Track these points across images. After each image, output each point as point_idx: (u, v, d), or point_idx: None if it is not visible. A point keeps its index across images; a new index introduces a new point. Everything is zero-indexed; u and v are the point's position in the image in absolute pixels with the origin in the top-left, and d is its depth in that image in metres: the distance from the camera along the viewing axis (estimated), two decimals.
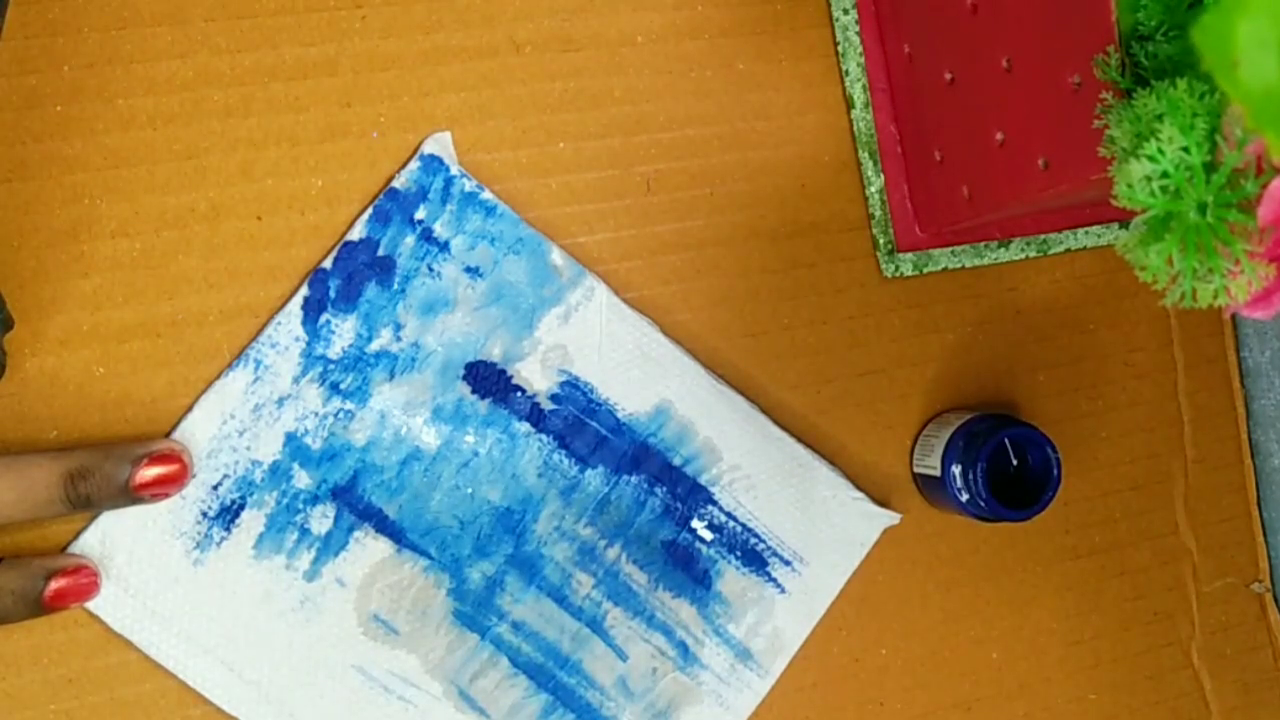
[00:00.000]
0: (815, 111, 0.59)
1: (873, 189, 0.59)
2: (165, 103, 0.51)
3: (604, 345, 0.55)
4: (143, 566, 0.50)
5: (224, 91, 0.51)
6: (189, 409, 0.51)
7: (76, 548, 0.49)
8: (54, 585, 0.47)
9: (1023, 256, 0.60)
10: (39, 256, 0.49)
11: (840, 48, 0.59)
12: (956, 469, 0.56)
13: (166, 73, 0.51)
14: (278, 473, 0.51)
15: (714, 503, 0.56)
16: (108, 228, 0.50)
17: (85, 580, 0.48)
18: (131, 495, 0.48)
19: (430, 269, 0.53)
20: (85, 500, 0.47)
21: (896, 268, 0.59)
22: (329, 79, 0.52)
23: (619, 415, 0.55)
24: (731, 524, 0.56)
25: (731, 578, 0.56)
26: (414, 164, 0.53)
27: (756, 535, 0.56)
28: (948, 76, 0.54)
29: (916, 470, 0.59)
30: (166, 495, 0.49)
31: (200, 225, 0.51)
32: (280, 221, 0.52)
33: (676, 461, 0.56)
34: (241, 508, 0.51)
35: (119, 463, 0.47)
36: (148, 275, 0.51)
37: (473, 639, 0.53)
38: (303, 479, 0.52)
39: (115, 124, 0.50)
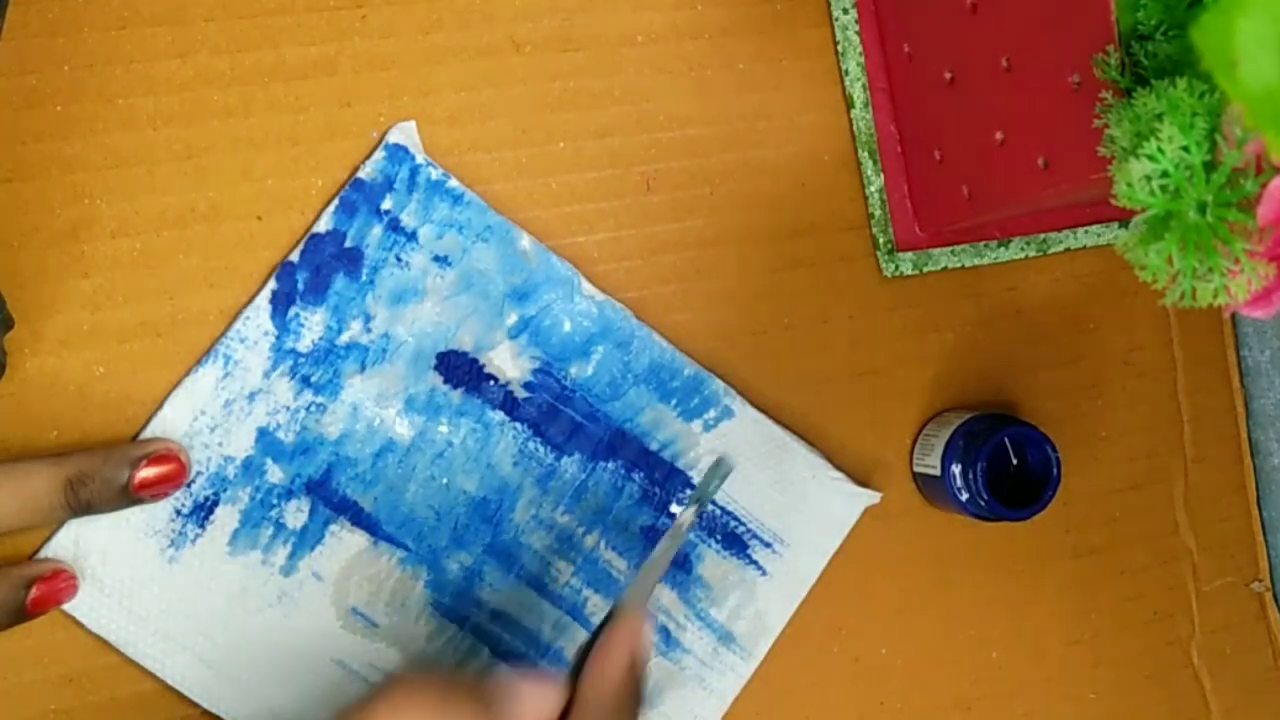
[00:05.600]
0: (815, 111, 0.59)
1: (873, 189, 0.59)
2: (165, 103, 0.51)
3: (575, 331, 0.55)
4: (117, 566, 0.50)
5: (224, 91, 0.51)
6: (159, 407, 0.50)
7: (49, 550, 0.49)
8: (34, 592, 0.47)
9: (1022, 256, 0.60)
10: (39, 256, 0.49)
11: (840, 47, 0.59)
12: (956, 468, 0.56)
13: (166, 73, 0.51)
14: (250, 468, 0.51)
15: (692, 487, 0.56)
16: (108, 228, 0.50)
17: (63, 584, 0.48)
18: (131, 497, 0.48)
19: (398, 259, 0.53)
20: (86, 505, 0.47)
21: (896, 267, 0.59)
22: (329, 79, 0.53)
23: (593, 401, 0.55)
24: (710, 508, 0.56)
25: (712, 561, 0.56)
26: (379, 154, 0.52)
27: (736, 518, 0.56)
28: (947, 76, 0.54)
29: (916, 470, 0.59)
30: (166, 495, 0.49)
31: (200, 225, 0.51)
32: (280, 221, 0.52)
33: (653, 446, 0.56)
34: (215, 504, 0.51)
35: (117, 466, 0.48)
36: (148, 275, 0.51)
37: (452, 629, 0.53)
38: (276, 473, 0.52)
39: (115, 124, 0.50)
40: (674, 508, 0.56)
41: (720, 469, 0.52)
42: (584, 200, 0.56)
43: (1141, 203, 0.37)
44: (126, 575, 0.50)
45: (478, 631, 0.54)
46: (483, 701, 0.41)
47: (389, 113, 0.53)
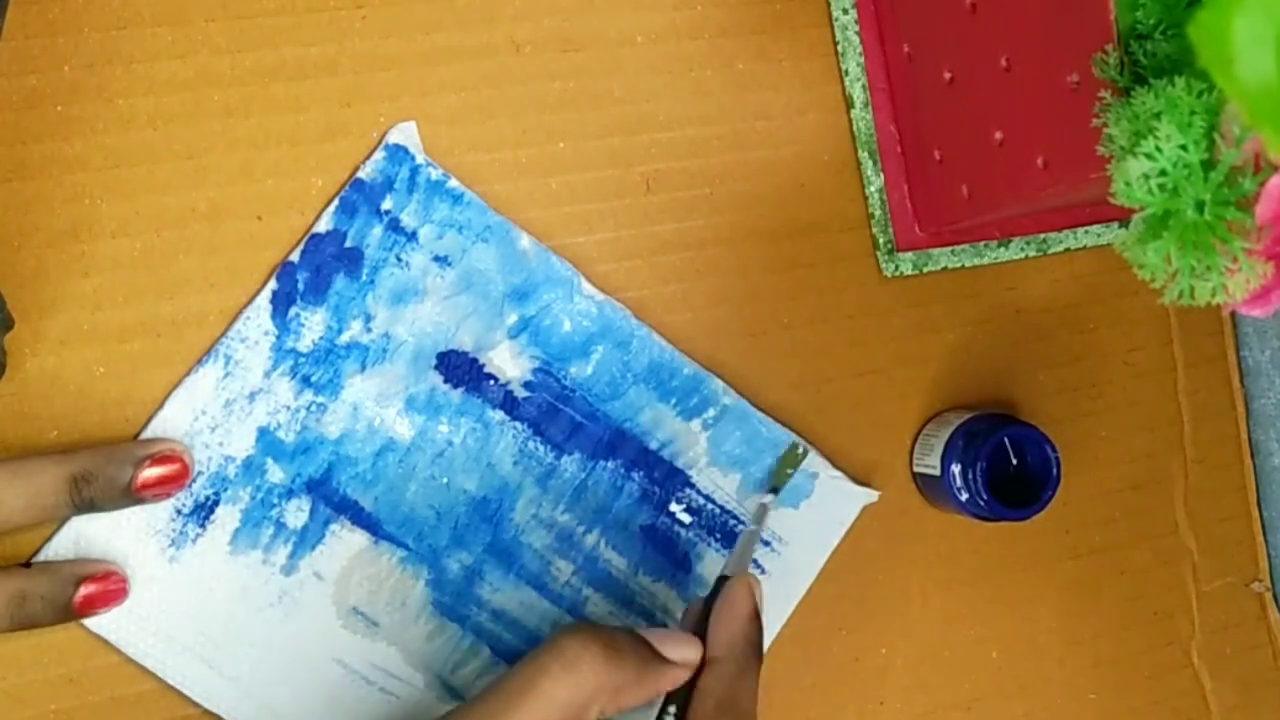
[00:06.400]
0: (815, 111, 0.59)
1: (872, 189, 0.59)
2: (165, 103, 0.51)
3: (575, 330, 0.55)
4: (118, 566, 0.50)
5: (224, 91, 0.51)
6: (160, 406, 0.50)
7: (50, 549, 0.49)
8: (84, 591, 0.48)
9: (1022, 256, 0.60)
10: (39, 256, 0.50)
11: (840, 47, 0.59)
12: (956, 468, 0.56)
13: (167, 73, 0.51)
14: (251, 467, 0.51)
15: (691, 485, 0.56)
16: (108, 228, 0.50)
17: (115, 586, 0.48)
18: (134, 496, 0.48)
19: (399, 259, 0.53)
20: (89, 503, 0.47)
21: (896, 267, 0.59)
22: (329, 79, 0.53)
23: (593, 401, 0.55)
24: (710, 506, 0.56)
25: (711, 560, 0.56)
26: (379, 154, 0.53)
27: (735, 517, 0.56)
28: (947, 76, 0.54)
29: (916, 470, 0.59)
30: (169, 496, 0.49)
31: (200, 225, 0.51)
32: (280, 221, 0.52)
33: (653, 445, 0.56)
34: (216, 504, 0.51)
35: (121, 465, 0.48)
36: (148, 275, 0.51)
37: (453, 629, 0.53)
38: (276, 473, 0.52)
39: (115, 124, 0.50)
40: (673, 506, 0.56)
41: (795, 456, 0.56)
42: (584, 200, 0.56)
43: (1140, 201, 0.37)
44: (127, 575, 0.50)
45: (478, 631, 0.54)
46: (641, 650, 0.46)
47: (389, 113, 0.53)
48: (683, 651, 0.47)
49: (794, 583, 0.57)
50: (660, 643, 0.47)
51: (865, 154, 0.59)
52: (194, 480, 0.50)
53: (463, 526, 0.54)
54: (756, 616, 0.49)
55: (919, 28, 0.56)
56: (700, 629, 0.49)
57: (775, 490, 0.56)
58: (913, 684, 0.60)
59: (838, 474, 0.57)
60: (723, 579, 0.50)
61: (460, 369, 0.53)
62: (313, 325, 0.52)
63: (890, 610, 0.59)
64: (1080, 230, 0.61)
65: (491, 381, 0.54)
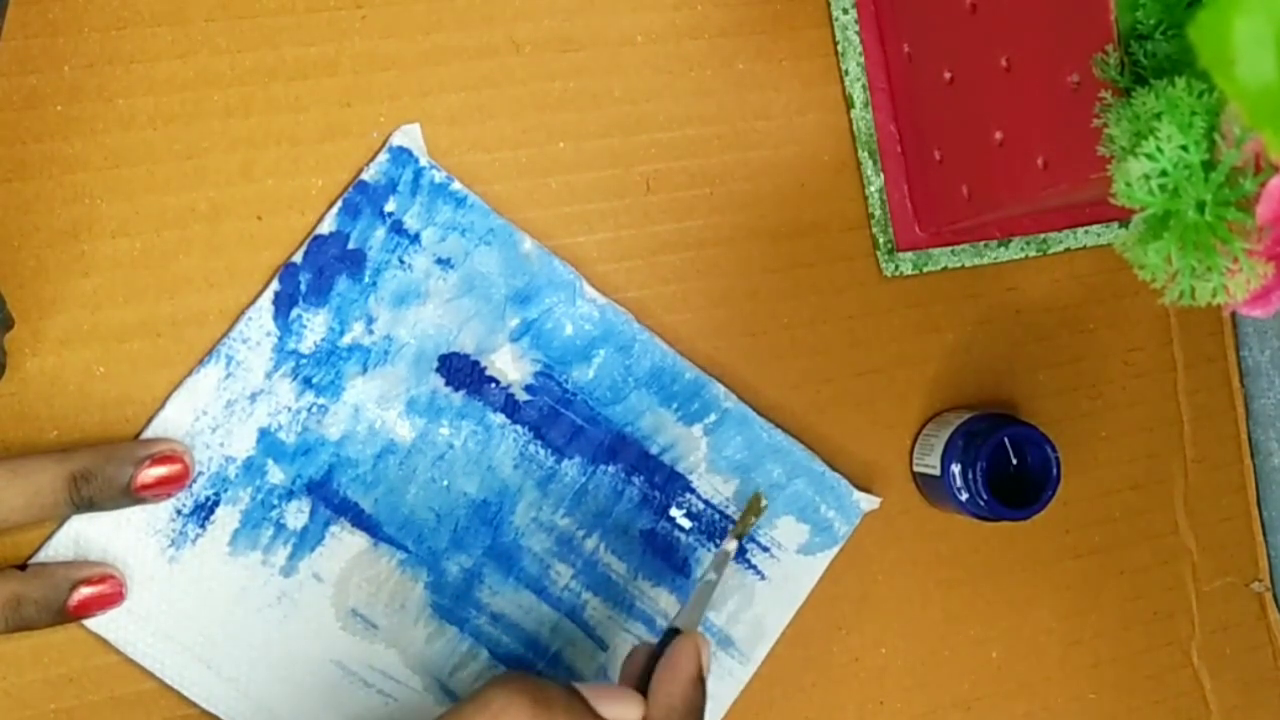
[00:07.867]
0: (815, 111, 0.59)
1: (872, 188, 0.59)
2: (165, 103, 0.51)
3: (577, 334, 0.55)
4: (118, 565, 0.50)
5: (224, 91, 0.51)
6: (161, 406, 0.50)
7: (50, 548, 0.49)
8: (79, 595, 0.47)
9: (1022, 256, 0.60)
10: (39, 256, 0.49)
11: (840, 47, 0.59)
12: (956, 468, 0.56)
13: (167, 73, 0.51)
14: (252, 468, 0.51)
15: (692, 490, 0.56)
16: (108, 228, 0.50)
17: (111, 589, 0.48)
18: (133, 496, 0.48)
19: (401, 261, 0.53)
20: (89, 502, 0.47)
21: (896, 267, 0.59)
22: (329, 79, 0.53)
23: (594, 405, 0.55)
24: (710, 512, 0.56)
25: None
26: (383, 156, 0.52)
27: (734, 522, 0.56)
28: (947, 76, 0.54)
29: (916, 470, 0.59)
30: (169, 496, 0.49)
31: (200, 225, 0.51)
32: (280, 221, 0.52)
33: (654, 450, 0.56)
34: (216, 504, 0.51)
35: (120, 465, 0.48)
36: (148, 275, 0.51)
37: (452, 631, 0.53)
38: (277, 474, 0.52)
39: (115, 124, 0.50)
40: (673, 511, 0.56)
41: (758, 506, 0.55)
42: (584, 200, 0.56)
43: (1140, 202, 0.37)
44: (127, 575, 0.50)
45: (477, 634, 0.54)
46: (575, 706, 0.43)
47: (389, 113, 0.53)
48: (620, 710, 0.44)
49: (795, 588, 0.57)
50: (597, 699, 0.44)
51: (865, 154, 0.59)
52: (194, 480, 0.50)
53: (462, 529, 0.54)
54: (700, 680, 0.46)
55: (919, 28, 0.56)
56: (642, 682, 0.46)
57: (739, 538, 0.54)
58: (913, 684, 0.60)
59: (839, 480, 0.57)
60: (672, 630, 0.48)
61: (462, 372, 0.53)
62: (315, 326, 0.52)
63: (890, 610, 0.59)
64: (1080, 230, 0.61)
65: (493, 384, 0.54)
